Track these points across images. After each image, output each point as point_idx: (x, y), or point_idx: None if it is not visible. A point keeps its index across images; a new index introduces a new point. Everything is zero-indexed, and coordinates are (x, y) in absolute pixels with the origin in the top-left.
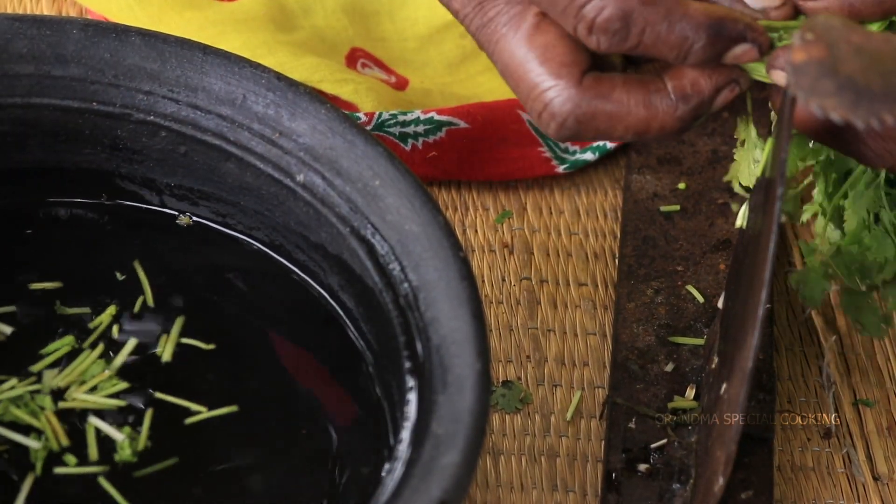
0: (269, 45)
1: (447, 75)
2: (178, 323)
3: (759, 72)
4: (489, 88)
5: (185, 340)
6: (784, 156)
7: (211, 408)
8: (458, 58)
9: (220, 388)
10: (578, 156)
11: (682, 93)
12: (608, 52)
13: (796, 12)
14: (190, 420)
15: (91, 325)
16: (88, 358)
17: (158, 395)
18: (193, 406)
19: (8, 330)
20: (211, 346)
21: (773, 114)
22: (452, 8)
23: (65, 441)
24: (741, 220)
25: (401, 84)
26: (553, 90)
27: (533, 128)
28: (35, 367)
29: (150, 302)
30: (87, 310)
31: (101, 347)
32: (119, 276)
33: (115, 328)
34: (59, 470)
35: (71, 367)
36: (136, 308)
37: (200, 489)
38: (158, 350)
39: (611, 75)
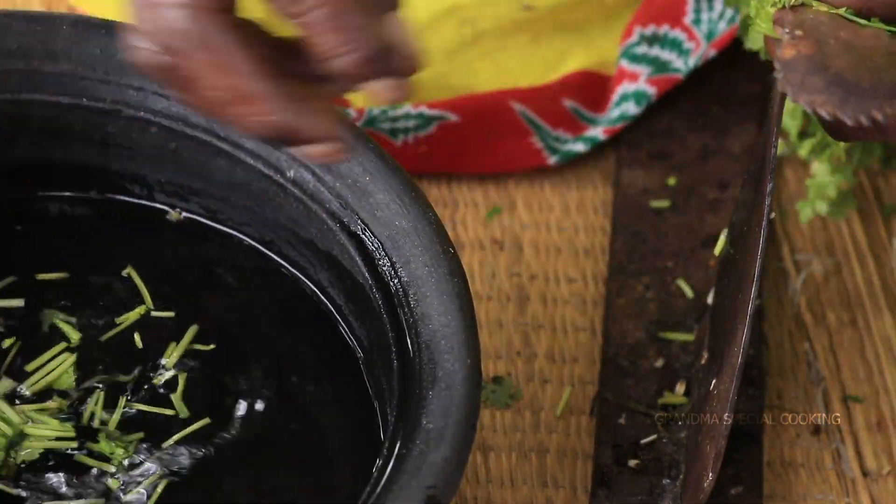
0: None
1: (445, 63)
2: (191, 333)
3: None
4: (485, 78)
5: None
6: (774, 151)
7: (199, 404)
8: (456, 44)
9: (208, 384)
10: (570, 146)
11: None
12: None
13: None
14: (168, 443)
15: (118, 320)
16: (64, 363)
17: (139, 406)
18: (167, 412)
19: (20, 302)
20: (211, 347)
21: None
22: None
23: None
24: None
25: None
26: None
27: (524, 118)
28: (31, 367)
29: (149, 304)
30: (72, 319)
31: (73, 356)
32: (112, 274)
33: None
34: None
35: (41, 372)
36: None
37: (190, 488)
38: (166, 360)
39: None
